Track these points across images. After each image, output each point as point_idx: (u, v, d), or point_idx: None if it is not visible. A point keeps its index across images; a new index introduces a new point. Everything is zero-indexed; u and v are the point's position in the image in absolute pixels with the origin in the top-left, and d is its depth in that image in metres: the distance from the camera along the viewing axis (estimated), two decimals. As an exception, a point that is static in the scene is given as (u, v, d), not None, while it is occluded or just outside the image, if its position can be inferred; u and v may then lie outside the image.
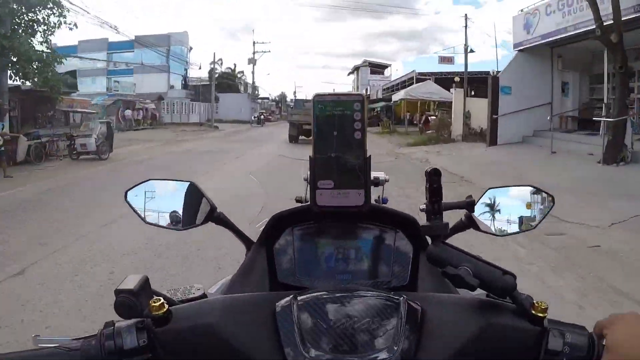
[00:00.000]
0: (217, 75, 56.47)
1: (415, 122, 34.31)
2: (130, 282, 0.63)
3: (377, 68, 66.92)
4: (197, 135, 27.02)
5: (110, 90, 42.46)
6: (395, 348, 0.60)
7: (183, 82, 52.16)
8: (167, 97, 44.23)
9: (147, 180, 0.98)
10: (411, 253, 0.91)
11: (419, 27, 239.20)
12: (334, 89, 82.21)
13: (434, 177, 0.70)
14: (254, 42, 51.65)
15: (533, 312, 0.63)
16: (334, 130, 0.77)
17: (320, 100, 0.77)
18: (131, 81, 44.69)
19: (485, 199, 0.92)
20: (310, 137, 0.80)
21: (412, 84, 29.78)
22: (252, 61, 52.14)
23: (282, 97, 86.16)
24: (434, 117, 22.94)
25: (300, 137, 19.68)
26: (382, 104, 38.95)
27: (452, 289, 0.80)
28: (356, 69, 70.30)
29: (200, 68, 60.74)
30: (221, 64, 57.41)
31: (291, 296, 0.67)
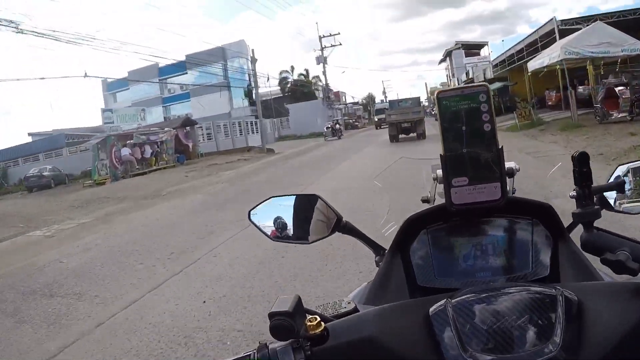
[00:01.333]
0: (288, 85, 49.99)
1: (550, 102, 23.53)
2: (284, 304, 0.60)
3: (472, 49, 55.66)
4: (217, 175, 17.22)
5: (167, 119, 37.15)
6: (558, 342, 0.57)
7: (248, 97, 45.92)
8: (232, 118, 37.64)
9: (269, 198, 0.99)
10: (550, 242, 0.86)
11: (501, 7, 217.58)
12: (425, 83, 72.60)
13: (582, 161, 0.68)
14: (320, 37, 43.57)
15: None
16: (462, 125, 0.74)
17: (444, 96, 0.75)
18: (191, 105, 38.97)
19: (615, 176, 0.88)
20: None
21: (549, 44, 19.24)
22: (320, 60, 43.83)
23: (370, 98, 77.55)
24: (623, 88, 12.85)
25: (400, 136, 20.43)
26: (498, 84, 28.43)
27: (598, 278, 0.79)
28: (448, 54, 59.97)
29: (268, 79, 53.82)
30: (292, 71, 50.66)
31: (445, 299, 0.65)
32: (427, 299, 0.69)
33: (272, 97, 48.26)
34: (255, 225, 0.99)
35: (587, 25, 17.12)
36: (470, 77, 39.87)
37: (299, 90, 46.71)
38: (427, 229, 0.90)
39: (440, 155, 0.76)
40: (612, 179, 0.88)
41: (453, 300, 0.64)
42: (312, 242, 0.99)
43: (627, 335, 0.58)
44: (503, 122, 19.79)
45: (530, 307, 0.62)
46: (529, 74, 19.16)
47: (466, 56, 56.63)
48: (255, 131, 36.07)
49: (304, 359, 0.60)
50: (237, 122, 36.28)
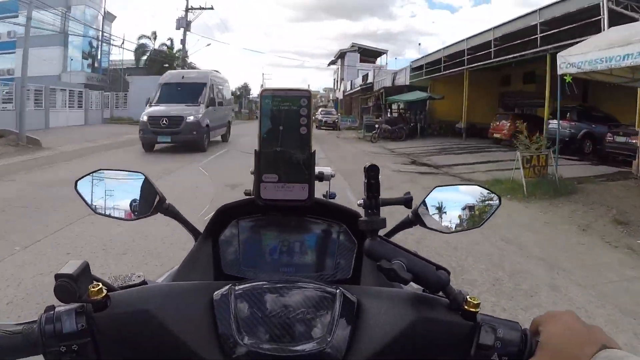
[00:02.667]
0: (147, 55, 39.33)
1: (496, 133, 17.13)
2: (70, 267, 0.61)
3: (369, 56, 50.54)
4: None
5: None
6: (329, 338, 0.61)
7: (91, 61, 34.13)
8: (61, 84, 26.05)
9: (97, 170, 0.97)
10: (355, 247, 0.92)
11: (395, 30, 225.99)
12: (308, 85, 67.61)
13: (371, 173, 0.71)
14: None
15: (466, 307, 0.65)
16: (280, 125, 0.77)
17: (267, 94, 0.77)
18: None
19: (432, 197, 0.93)
20: None
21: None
22: (182, 23, 31.72)
23: (244, 89, 67.89)
24: None
25: None
26: (419, 95, 22.33)
27: (394, 284, 0.82)
28: (341, 55, 53.91)
29: (123, 43, 41.56)
30: (154, 38, 39.76)
31: (229, 285, 0.68)
32: (216, 283, 0.73)
33: (125, 67, 37.02)
34: (81, 196, 0.95)
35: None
36: (368, 80, 33.73)
37: (159, 62, 36.08)
38: (238, 219, 0.92)
39: (255, 150, 0.78)
40: (428, 197, 0.92)
41: (237, 287, 0.67)
42: (133, 220, 0.98)
43: (396, 338, 0.63)
44: (417, 149, 14.32)
45: (312, 302, 0.65)
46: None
47: (361, 61, 51.35)
48: (78, 105, 25.51)
49: (84, 322, 0.61)
50: (79, 93, 25.66)
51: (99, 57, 35.55)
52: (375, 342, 0.62)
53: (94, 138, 17.65)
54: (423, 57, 25.57)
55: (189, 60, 34.73)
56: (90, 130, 21.52)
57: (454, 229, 0.94)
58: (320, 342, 0.61)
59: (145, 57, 38.26)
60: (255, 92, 64.64)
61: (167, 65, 33.00)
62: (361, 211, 0.75)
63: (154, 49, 38.63)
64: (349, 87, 45.49)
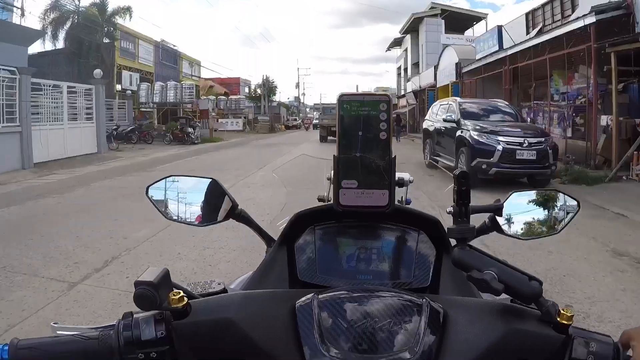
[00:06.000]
0: (67, 25, 22.98)
1: None
2: (151, 275, 0.60)
3: (457, 23, 30.95)
4: None
5: None
6: (416, 349, 0.59)
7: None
8: None
9: (169, 176, 0.98)
10: (434, 255, 0.90)
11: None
12: (357, 86, 50.36)
13: (461, 180, 0.70)
14: None
15: (558, 319, 0.62)
16: (359, 130, 0.76)
17: (345, 100, 0.76)
18: None
19: (510, 202, 0.89)
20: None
21: None
22: None
23: (266, 86, 48.29)
24: None
25: (329, 137, 23.15)
26: None
27: (476, 293, 0.81)
28: (413, 26, 34.13)
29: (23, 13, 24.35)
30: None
31: (312, 294, 0.67)
32: (297, 291, 0.71)
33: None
34: (152, 202, 0.96)
35: None
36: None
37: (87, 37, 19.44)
38: (314, 226, 0.91)
39: (334, 156, 0.77)
40: (506, 203, 0.88)
41: (320, 296, 0.66)
42: (204, 226, 0.98)
43: (486, 350, 0.60)
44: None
45: (396, 312, 0.63)
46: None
47: (447, 32, 31.74)
48: None
49: (164, 330, 0.61)
50: None
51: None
52: (464, 354, 0.61)
53: None
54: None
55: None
56: None
57: (531, 236, 0.90)
58: (407, 353, 0.59)
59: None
60: (284, 90, 46.14)
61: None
62: (444, 218, 0.73)
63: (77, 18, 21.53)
64: (432, 76, 26.38)
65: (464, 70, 21.06)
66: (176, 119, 24.77)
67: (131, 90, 26.28)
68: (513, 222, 0.88)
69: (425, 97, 27.61)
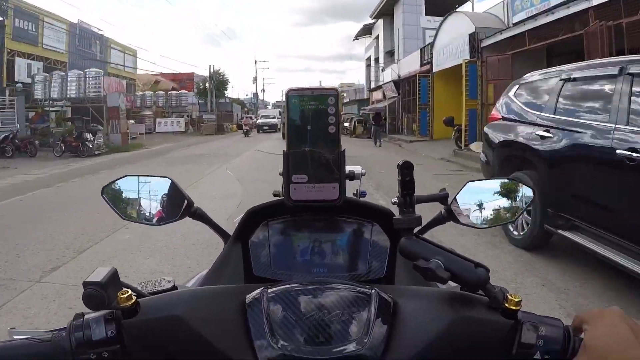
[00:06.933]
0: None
1: None
2: (99, 275, 0.61)
3: (437, 3, 26.00)
4: None
5: None
6: (365, 340, 0.60)
7: None
8: None
9: (124, 177, 0.96)
10: (388, 246, 0.91)
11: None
12: (320, 81, 53.26)
13: (405, 170, 0.71)
14: None
15: (506, 305, 0.63)
16: (307, 124, 0.76)
17: (294, 94, 0.76)
18: None
19: (465, 192, 0.89)
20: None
21: None
22: None
23: (214, 78, 40.55)
24: None
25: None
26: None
27: (430, 282, 0.82)
28: (387, 9, 28.90)
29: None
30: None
31: (261, 288, 0.67)
32: (247, 286, 0.71)
33: None
34: (108, 203, 0.94)
35: None
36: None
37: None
38: (268, 221, 0.91)
39: (283, 151, 0.78)
40: (460, 193, 0.88)
41: (269, 290, 0.66)
42: (161, 225, 0.97)
43: (435, 338, 0.61)
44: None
45: (346, 303, 0.64)
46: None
47: (427, 14, 26.54)
48: None
49: (114, 329, 0.61)
50: None
51: None
52: (413, 342, 0.61)
53: None
54: None
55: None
56: None
57: (487, 224, 0.90)
58: (356, 343, 0.60)
59: None
60: (246, 88, 39.98)
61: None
62: (394, 209, 0.72)
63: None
64: (417, 62, 21.20)
65: (485, 43, 15.21)
66: (71, 120, 18.49)
67: (22, 83, 19.77)
68: (469, 212, 0.88)
69: (416, 86, 22.15)
